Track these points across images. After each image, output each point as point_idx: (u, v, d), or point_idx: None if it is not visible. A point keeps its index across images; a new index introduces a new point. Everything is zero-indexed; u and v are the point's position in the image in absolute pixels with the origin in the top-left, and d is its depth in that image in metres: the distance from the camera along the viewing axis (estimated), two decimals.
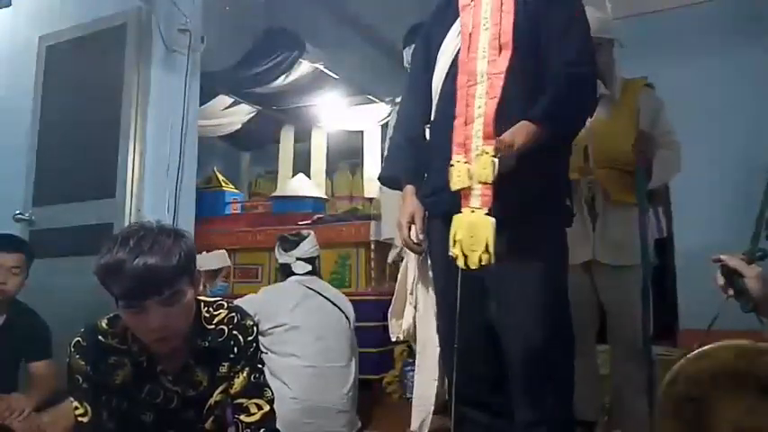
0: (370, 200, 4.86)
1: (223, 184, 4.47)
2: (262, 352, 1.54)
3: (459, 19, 1.65)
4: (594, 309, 2.22)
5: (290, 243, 2.75)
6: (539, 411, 1.53)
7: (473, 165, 1.45)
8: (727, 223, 3.40)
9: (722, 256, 1.27)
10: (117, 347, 1.38)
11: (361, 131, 5.58)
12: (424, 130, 1.78)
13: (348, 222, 3.75)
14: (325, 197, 4.67)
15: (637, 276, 2.10)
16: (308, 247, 2.76)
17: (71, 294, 2.64)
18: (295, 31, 4.49)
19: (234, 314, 1.46)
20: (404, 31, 2.63)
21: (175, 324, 1.30)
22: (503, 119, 1.47)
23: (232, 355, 1.43)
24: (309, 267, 2.74)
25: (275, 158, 5.81)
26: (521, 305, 1.53)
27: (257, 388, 1.45)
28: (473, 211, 1.43)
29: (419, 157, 1.73)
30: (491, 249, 1.38)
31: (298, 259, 2.73)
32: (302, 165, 5.52)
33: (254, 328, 1.48)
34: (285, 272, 2.76)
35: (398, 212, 1.74)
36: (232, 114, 5.17)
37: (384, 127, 5.12)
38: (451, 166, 1.48)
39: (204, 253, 3.41)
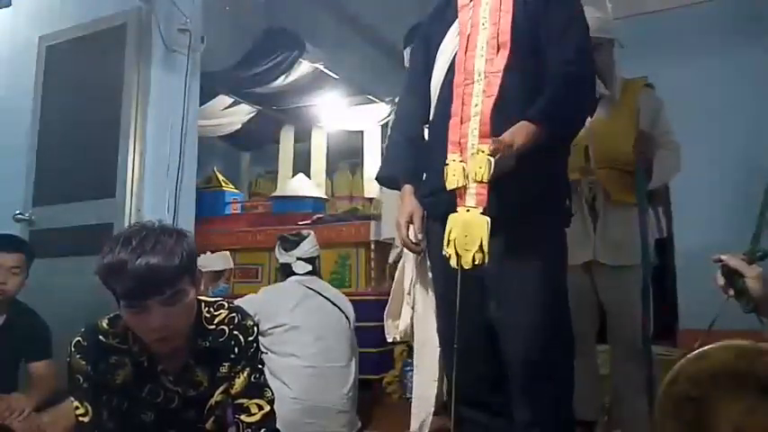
0: (370, 200, 4.86)
1: (223, 184, 4.47)
2: (262, 352, 1.54)
3: (458, 19, 1.65)
4: (594, 309, 2.22)
5: (291, 243, 2.75)
6: (538, 411, 1.53)
7: (468, 163, 1.44)
8: (727, 223, 3.41)
9: (722, 257, 1.27)
10: (117, 347, 1.38)
11: (361, 131, 5.58)
12: (423, 131, 1.78)
13: (348, 222, 3.75)
14: (326, 197, 4.68)
15: (637, 276, 2.09)
16: (308, 246, 2.76)
17: (71, 294, 2.65)
18: (295, 31, 4.49)
19: (234, 314, 1.46)
20: (404, 32, 2.63)
21: (177, 324, 1.30)
22: (499, 118, 1.47)
23: (233, 356, 1.43)
24: (310, 267, 2.75)
25: (275, 158, 5.81)
26: (520, 305, 1.52)
27: (258, 388, 1.45)
28: (468, 210, 1.42)
29: (418, 157, 1.73)
30: (485, 249, 1.37)
31: (298, 259, 2.73)
32: (302, 165, 5.52)
33: (255, 329, 1.48)
34: (285, 272, 2.76)
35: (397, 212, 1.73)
36: (232, 114, 5.16)
37: (384, 127, 5.13)
38: (446, 165, 1.47)
39: (208, 253, 3.41)
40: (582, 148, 2.14)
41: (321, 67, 4.62)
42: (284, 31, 4.51)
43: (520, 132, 1.43)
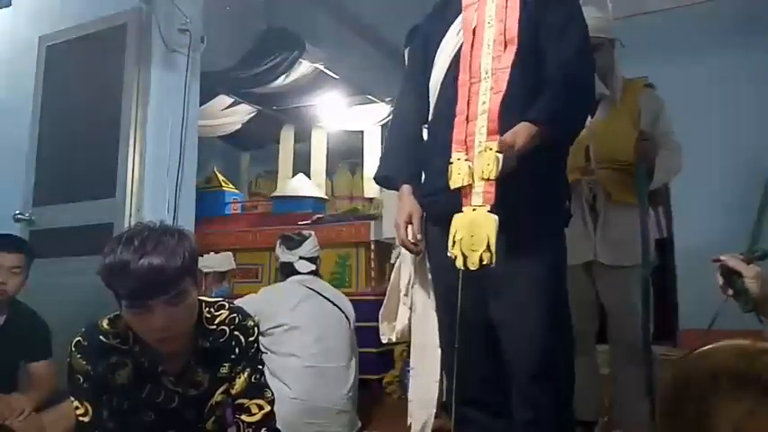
0: (370, 200, 4.87)
1: (223, 184, 4.47)
2: (262, 352, 1.54)
3: (458, 18, 1.65)
4: (595, 308, 2.22)
5: (295, 242, 2.75)
6: (538, 411, 1.52)
7: (475, 161, 1.43)
8: (728, 223, 3.40)
9: (721, 257, 1.27)
10: (118, 347, 1.38)
11: (361, 131, 5.58)
12: (422, 131, 1.77)
13: (348, 222, 3.76)
14: (326, 197, 4.68)
15: (637, 277, 2.09)
16: (310, 246, 2.76)
17: (71, 294, 2.65)
18: (295, 31, 4.50)
19: (235, 315, 1.46)
20: (404, 32, 2.62)
21: (179, 324, 1.30)
22: (507, 114, 1.45)
23: (233, 356, 1.43)
24: (313, 267, 2.75)
25: (275, 158, 5.81)
26: (520, 305, 1.52)
27: (258, 388, 1.45)
28: (474, 210, 1.40)
29: (416, 157, 1.72)
30: (492, 248, 1.35)
31: (301, 258, 2.73)
32: (302, 165, 5.51)
33: (255, 329, 1.48)
34: (286, 271, 2.75)
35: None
36: (232, 114, 5.16)
37: (384, 127, 5.13)
38: (451, 163, 1.46)
39: (212, 254, 3.40)
40: (582, 148, 2.14)
41: (321, 67, 4.62)
42: (284, 31, 4.52)
43: (521, 133, 1.42)
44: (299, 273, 2.72)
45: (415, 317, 1.86)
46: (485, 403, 1.62)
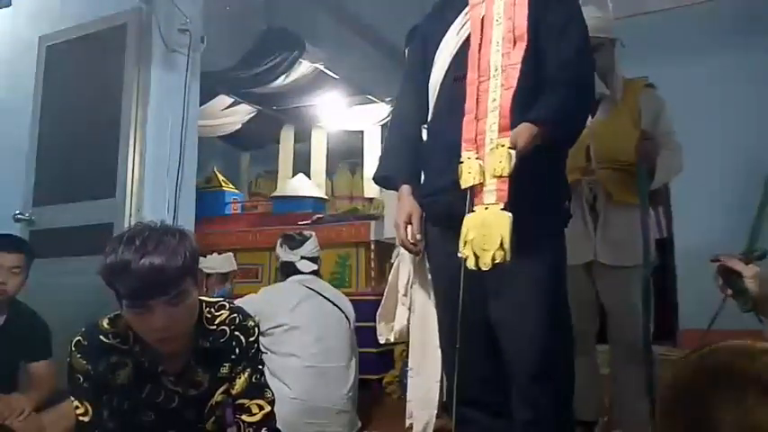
0: (370, 200, 4.87)
1: (223, 184, 4.47)
2: (262, 352, 1.54)
3: (459, 17, 1.64)
4: (595, 308, 2.23)
5: (297, 241, 2.75)
6: (538, 411, 1.53)
7: (486, 159, 1.41)
8: (728, 223, 3.40)
9: (720, 256, 1.27)
10: (118, 347, 1.38)
11: (361, 131, 5.58)
12: (421, 131, 1.77)
13: (348, 222, 3.76)
14: (326, 197, 4.68)
15: (637, 277, 2.09)
16: (312, 246, 2.77)
17: (71, 294, 2.65)
18: (295, 31, 4.50)
19: (235, 315, 1.46)
20: (404, 32, 2.62)
21: (179, 324, 1.30)
22: (518, 110, 1.44)
23: (233, 356, 1.43)
24: (315, 267, 2.75)
25: (275, 158, 5.81)
26: (521, 305, 1.52)
27: (258, 388, 1.45)
28: (486, 208, 1.38)
29: (416, 157, 1.72)
30: (506, 246, 1.32)
31: (303, 258, 2.73)
32: (302, 165, 5.51)
33: (256, 329, 1.48)
34: (286, 271, 2.75)
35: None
36: (232, 114, 5.16)
37: (384, 127, 5.13)
38: (461, 162, 1.45)
39: (215, 255, 3.39)
40: (583, 148, 2.14)
41: (321, 67, 4.62)
42: (284, 31, 4.52)
43: (522, 134, 1.42)
44: (301, 272, 2.72)
45: (414, 317, 1.86)
46: (485, 403, 1.62)
